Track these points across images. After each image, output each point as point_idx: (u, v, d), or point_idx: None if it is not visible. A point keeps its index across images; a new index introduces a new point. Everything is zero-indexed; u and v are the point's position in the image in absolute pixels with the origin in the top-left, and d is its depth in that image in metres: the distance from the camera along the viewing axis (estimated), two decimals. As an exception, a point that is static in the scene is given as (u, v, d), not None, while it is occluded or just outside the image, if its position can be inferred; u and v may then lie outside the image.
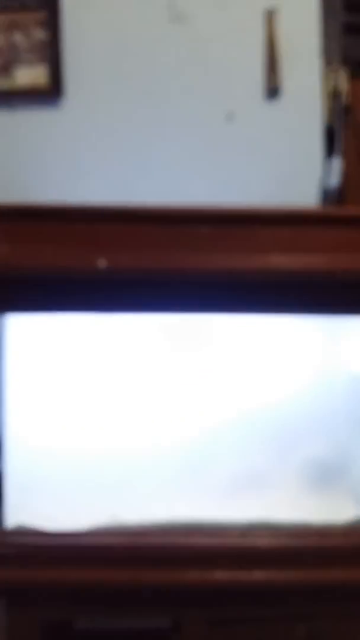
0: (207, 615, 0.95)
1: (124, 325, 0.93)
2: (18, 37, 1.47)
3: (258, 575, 0.92)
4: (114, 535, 0.94)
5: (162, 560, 0.92)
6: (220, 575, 0.92)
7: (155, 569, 0.92)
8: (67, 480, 0.98)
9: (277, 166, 1.53)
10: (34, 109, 1.48)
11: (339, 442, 1.02)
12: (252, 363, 1.02)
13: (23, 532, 0.95)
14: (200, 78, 1.51)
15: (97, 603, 0.96)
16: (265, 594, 0.94)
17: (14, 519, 0.96)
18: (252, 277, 0.91)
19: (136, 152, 1.49)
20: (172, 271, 0.88)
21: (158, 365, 0.99)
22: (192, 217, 0.88)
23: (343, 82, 1.60)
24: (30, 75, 1.46)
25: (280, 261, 0.91)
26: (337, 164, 1.56)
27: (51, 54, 1.45)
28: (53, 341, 0.96)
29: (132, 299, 0.88)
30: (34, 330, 0.95)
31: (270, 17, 1.55)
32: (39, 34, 1.46)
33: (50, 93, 1.47)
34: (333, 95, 1.59)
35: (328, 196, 1.55)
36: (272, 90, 1.57)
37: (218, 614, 0.95)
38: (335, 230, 0.95)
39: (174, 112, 1.50)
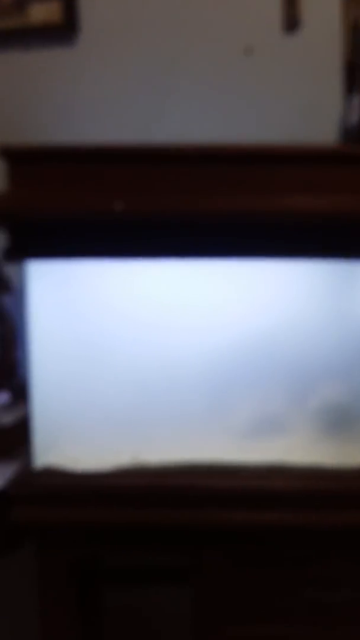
0: (225, 555, 0.97)
1: (143, 267, 0.92)
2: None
3: (274, 516, 0.94)
4: (136, 476, 0.96)
5: (182, 500, 0.94)
6: (238, 515, 0.94)
7: (176, 508, 0.94)
8: (91, 423, 1.00)
9: (297, 102, 1.50)
10: (49, 47, 1.45)
11: (356, 386, 1.02)
12: (271, 307, 1.01)
13: (50, 473, 0.97)
14: (217, 12, 1.46)
15: (122, 542, 0.99)
16: (281, 535, 0.96)
17: (41, 460, 0.98)
18: (273, 219, 0.89)
19: (153, 90, 1.47)
20: (190, 213, 0.86)
21: (178, 309, 0.99)
22: (210, 156, 0.86)
23: (366, 14, 1.53)
24: (44, 11, 1.42)
25: (303, 202, 0.89)
26: (357, 101, 1.51)
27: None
28: (75, 285, 0.96)
29: (150, 242, 0.86)
30: (56, 275, 0.94)
31: None
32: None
33: (64, 30, 1.43)
34: (354, 29, 1.53)
35: (348, 133, 1.51)
36: (291, 23, 1.51)
37: (236, 554, 0.98)
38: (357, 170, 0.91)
39: (191, 48, 1.47)
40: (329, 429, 1.03)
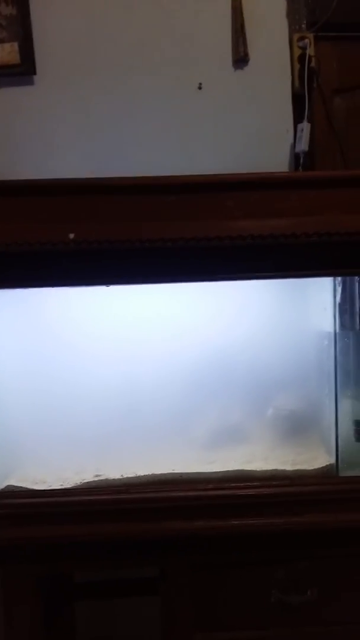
0: (191, 563, 1.00)
1: (98, 291, 0.97)
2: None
3: (236, 522, 0.98)
4: (99, 491, 0.99)
5: (146, 512, 0.97)
6: (201, 523, 0.97)
7: (140, 521, 0.97)
8: (51, 443, 1.03)
9: (248, 134, 1.57)
10: (6, 87, 1.50)
11: (310, 396, 1.08)
12: (227, 323, 1.07)
13: (12, 493, 0.99)
14: (169, 51, 1.53)
15: (88, 557, 1.01)
16: (244, 540, 0.99)
17: (3, 482, 1.01)
18: (221, 243, 0.94)
19: (109, 126, 1.52)
20: (141, 241, 0.90)
21: (136, 328, 1.04)
22: (159, 186, 0.91)
23: (310, 46, 1.62)
24: (2, 54, 1.47)
25: (248, 226, 0.94)
26: (306, 129, 1.59)
27: (22, 31, 1.46)
28: (32, 309, 1.01)
29: (103, 270, 0.91)
30: (12, 302, 0.99)
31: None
32: (8, 10, 1.47)
33: (22, 70, 1.49)
34: (300, 60, 1.61)
35: (299, 162, 1.59)
36: (241, 59, 1.59)
37: (201, 561, 1.01)
38: (299, 194, 0.96)
39: (145, 85, 1.53)
40: (285, 438, 1.08)
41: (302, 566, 1.02)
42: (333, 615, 1.03)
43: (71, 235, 0.85)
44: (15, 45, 1.45)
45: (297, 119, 1.60)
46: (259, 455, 1.05)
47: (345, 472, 1.03)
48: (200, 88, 1.55)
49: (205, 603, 1.01)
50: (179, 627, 1.01)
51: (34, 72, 1.49)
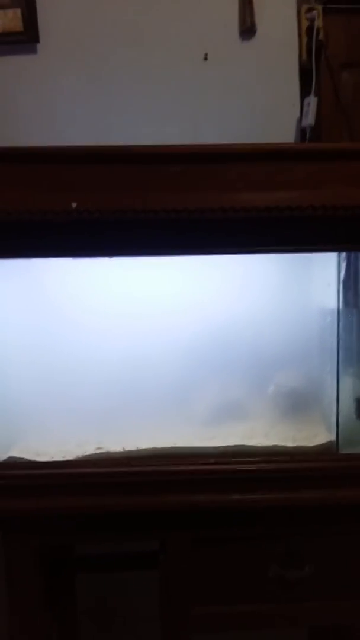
0: (191, 536, 1.01)
1: (102, 263, 0.95)
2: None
3: (236, 496, 0.98)
4: (100, 463, 0.99)
5: (147, 485, 0.97)
6: (202, 497, 0.97)
7: (141, 494, 0.97)
8: (53, 416, 1.03)
9: (254, 107, 1.54)
10: (10, 55, 1.47)
11: (312, 373, 1.07)
12: (229, 297, 1.06)
13: (14, 464, 0.99)
14: (174, 20, 1.50)
15: (89, 529, 1.02)
16: (244, 515, 1.00)
17: (4, 453, 1.01)
18: (225, 215, 0.92)
19: (112, 96, 1.50)
20: (145, 211, 0.89)
21: (137, 302, 1.03)
22: (163, 156, 0.89)
23: (318, 18, 1.59)
24: (4, 20, 1.44)
25: (252, 198, 0.92)
26: (313, 104, 1.56)
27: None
28: (34, 281, 1.00)
29: (105, 241, 0.90)
30: (14, 272, 0.98)
31: None
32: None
33: (25, 38, 1.46)
34: (308, 33, 1.58)
35: (305, 136, 1.56)
36: (247, 30, 1.56)
37: (200, 535, 1.01)
38: (304, 166, 0.94)
39: (149, 55, 1.50)
40: (286, 414, 1.07)
41: (300, 542, 1.03)
42: (329, 591, 1.04)
43: (74, 205, 0.83)
44: (18, 12, 1.42)
45: (304, 93, 1.58)
46: (259, 431, 1.05)
47: (345, 450, 1.03)
48: (206, 59, 1.53)
49: (204, 577, 1.02)
50: (177, 600, 1.02)
51: (37, 40, 1.46)
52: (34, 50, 1.47)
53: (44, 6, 1.45)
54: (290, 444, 1.02)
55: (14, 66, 1.46)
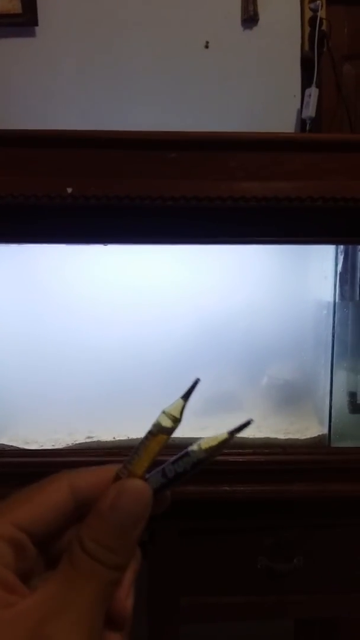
0: (179, 527, 1.01)
1: (97, 250, 0.94)
2: None
3: (227, 488, 0.97)
4: (90, 452, 0.98)
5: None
6: (192, 488, 0.96)
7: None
8: (44, 404, 1.02)
9: (255, 96, 1.53)
10: (7, 37, 1.45)
11: (305, 366, 1.06)
12: (224, 288, 1.05)
13: (2, 452, 0.98)
14: (175, 6, 1.49)
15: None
16: (233, 507, 0.99)
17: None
18: (223, 204, 0.91)
19: (111, 82, 1.48)
20: (141, 198, 0.87)
21: (132, 291, 1.02)
22: (161, 142, 0.88)
23: (322, 9, 1.57)
24: (2, 2, 1.42)
25: (251, 187, 0.91)
26: (314, 95, 1.55)
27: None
28: (27, 267, 0.99)
29: (100, 227, 0.88)
30: (6, 258, 0.97)
31: None
32: None
33: (24, 20, 1.44)
34: (311, 24, 1.57)
35: (305, 127, 1.55)
36: (250, 19, 1.54)
37: (189, 526, 1.01)
38: (305, 156, 0.93)
39: (150, 41, 1.48)
40: (279, 407, 1.07)
41: (289, 534, 1.03)
42: (318, 584, 1.04)
43: (69, 190, 0.82)
44: (18, -6, 1.40)
45: (305, 84, 1.56)
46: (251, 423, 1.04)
47: (337, 443, 1.02)
48: (207, 47, 1.51)
49: (192, 568, 1.02)
50: (164, 591, 1.02)
51: (36, 24, 1.44)
52: (32, 34, 1.45)
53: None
54: (282, 436, 1.02)
55: (11, 49, 1.44)
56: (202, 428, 1.02)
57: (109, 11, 1.46)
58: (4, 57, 1.44)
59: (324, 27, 1.56)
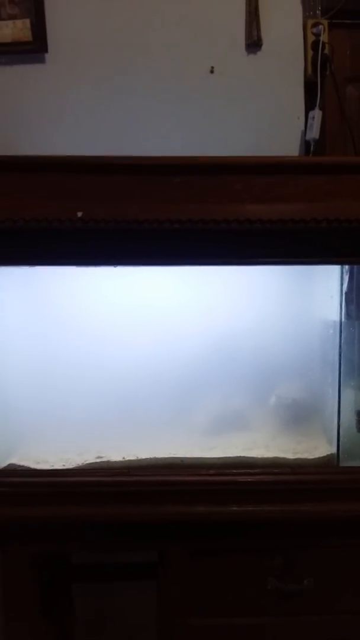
0: (189, 547, 1.00)
1: (105, 272, 0.96)
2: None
3: (235, 508, 0.97)
4: (101, 473, 0.99)
5: (146, 495, 0.97)
6: (201, 509, 0.97)
7: (140, 504, 0.97)
8: (54, 424, 1.03)
9: (259, 119, 1.55)
10: (18, 64, 1.48)
11: (313, 385, 1.07)
12: (232, 308, 1.06)
13: (13, 472, 0.99)
14: (181, 32, 1.51)
15: (86, 538, 1.01)
16: (243, 527, 0.99)
17: (5, 461, 1.00)
18: (229, 227, 0.93)
19: (119, 107, 1.51)
20: (149, 222, 0.89)
21: (140, 312, 1.03)
22: (166, 167, 0.90)
23: (324, 33, 1.60)
24: (13, 30, 1.46)
25: (257, 210, 0.92)
26: (317, 117, 1.57)
27: (34, 8, 1.45)
28: (37, 290, 1.01)
29: (110, 250, 0.90)
30: (16, 280, 0.98)
31: (249, -31, 1.54)
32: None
33: (34, 48, 1.47)
34: (314, 47, 1.59)
35: (309, 149, 1.57)
36: (254, 44, 1.57)
37: (199, 546, 1.01)
38: (309, 179, 0.95)
39: (156, 67, 1.51)
40: (287, 426, 1.07)
41: (299, 555, 1.02)
42: (328, 604, 1.03)
43: (79, 214, 0.84)
44: (28, 22, 1.44)
45: (309, 106, 1.59)
46: (260, 442, 1.05)
47: (346, 463, 1.03)
48: (212, 72, 1.54)
49: (202, 588, 1.01)
50: (174, 611, 1.01)
51: (46, 50, 1.47)
52: (42, 60, 1.48)
53: (53, 17, 1.47)
54: (290, 456, 1.02)
55: (22, 75, 1.47)
56: (210, 448, 1.03)
57: (116, 39, 1.49)
58: (15, 83, 1.47)
59: (326, 51, 1.59)
